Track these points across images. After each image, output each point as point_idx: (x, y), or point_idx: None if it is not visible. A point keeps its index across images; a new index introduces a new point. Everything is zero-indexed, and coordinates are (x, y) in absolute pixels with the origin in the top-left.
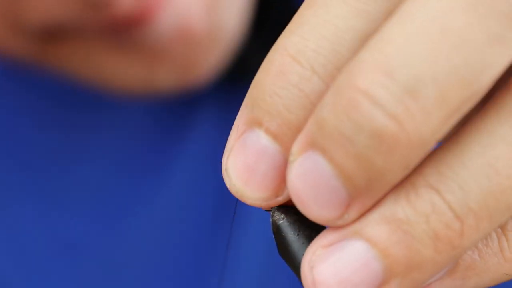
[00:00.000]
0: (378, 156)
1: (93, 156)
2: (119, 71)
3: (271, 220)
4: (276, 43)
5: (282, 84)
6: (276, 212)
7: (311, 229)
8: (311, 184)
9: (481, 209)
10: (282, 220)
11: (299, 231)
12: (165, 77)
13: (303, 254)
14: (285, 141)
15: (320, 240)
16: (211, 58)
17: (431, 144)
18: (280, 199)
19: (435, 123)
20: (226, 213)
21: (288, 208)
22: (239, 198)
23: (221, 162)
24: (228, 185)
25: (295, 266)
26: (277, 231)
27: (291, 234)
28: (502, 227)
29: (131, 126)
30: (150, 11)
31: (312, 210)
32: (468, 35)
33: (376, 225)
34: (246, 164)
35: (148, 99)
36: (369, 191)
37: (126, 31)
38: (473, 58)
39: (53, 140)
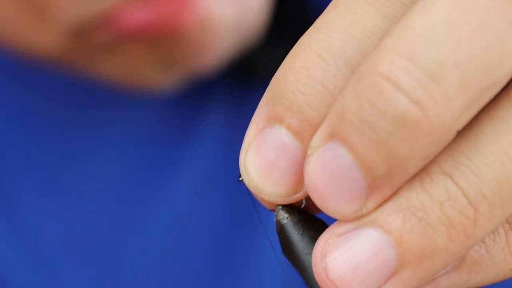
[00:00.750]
0: (400, 142)
1: (103, 155)
2: (140, 67)
3: (275, 220)
4: (300, 40)
5: (305, 80)
6: (280, 212)
7: (315, 229)
8: (330, 176)
9: (495, 196)
10: (286, 220)
11: (303, 231)
12: (177, 62)
13: (307, 254)
14: (306, 138)
15: (334, 229)
16: (226, 47)
17: (452, 133)
18: (299, 195)
19: (456, 110)
20: (237, 212)
21: (293, 207)
22: (257, 194)
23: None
24: (246, 181)
25: (299, 266)
26: (281, 230)
27: (295, 234)
28: (510, 223)
29: (141, 124)
30: (174, 21)
31: (330, 204)
32: (490, 21)
33: (390, 212)
34: (266, 160)
35: (158, 92)
36: (388, 181)
37: (153, 41)
38: (494, 44)
39: (63, 138)
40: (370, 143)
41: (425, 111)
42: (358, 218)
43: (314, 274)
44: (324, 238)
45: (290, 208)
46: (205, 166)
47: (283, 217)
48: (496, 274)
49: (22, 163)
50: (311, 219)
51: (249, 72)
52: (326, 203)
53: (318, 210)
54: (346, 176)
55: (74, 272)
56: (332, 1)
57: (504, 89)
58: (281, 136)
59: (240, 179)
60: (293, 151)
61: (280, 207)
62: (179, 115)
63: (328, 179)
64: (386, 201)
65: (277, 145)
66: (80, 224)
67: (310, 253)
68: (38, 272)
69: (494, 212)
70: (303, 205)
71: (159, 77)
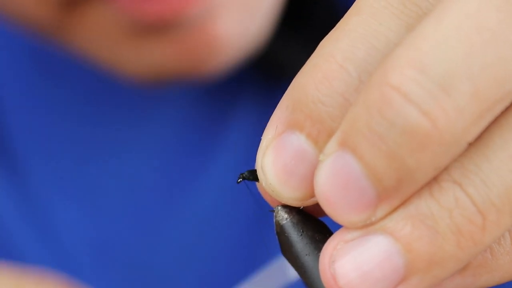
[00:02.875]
0: (409, 154)
1: (129, 154)
2: (139, 56)
3: (274, 220)
4: (321, 47)
5: (327, 92)
6: (279, 212)
7: (314, 230)
8: (339, 185)
9: (503, 204)
10: (285, 221)
11: (302, 231)
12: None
13: (306, 255)
14: (324, 147)
15: (343, 235)
16: (253, 29)
17: (462, 145)
18: (315, 199)
19: (467, 121)
20: (265, 210)
21: (292, 208)
22: (274, 196)
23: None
24: (263, 183)
25: (298, 266)
26: (280, 231)
27: (294, 235)
28: None
29: (169, 124)
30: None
31: (339, 212)
32: (502, 33)
33: (400, 220)
34: (284, 165)
35: (133, 76)
36: (397, 191)
37: (178, 9)
38: (507, 56)
39: (90, 135)
40: (380, 153)
41: (436, 123)
42: (367, 226)
43: (322, 280)
44: (333, 243)
45: (290, 208)
46: (232, 167)
47: (283, 217)
48: (500, 276)
49: (47, 161)
50: (311, 220)
51: (277, 73)
52: (336, 211)
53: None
54: (356, 185)
55: (95, 270)
56: (354, 6)
57: None
58: (301, 143)
59: (240, 180)
60: (312, 158)
61: (279, 207)
62: (207, 116)
63: (338, 187)
64: (395, 209)
65: (296, 151)
66: (104, 223)
67: (309, 253)
68: (60, 270)
69: (503, 219)
70: (301, 206)
71: (133, 55)
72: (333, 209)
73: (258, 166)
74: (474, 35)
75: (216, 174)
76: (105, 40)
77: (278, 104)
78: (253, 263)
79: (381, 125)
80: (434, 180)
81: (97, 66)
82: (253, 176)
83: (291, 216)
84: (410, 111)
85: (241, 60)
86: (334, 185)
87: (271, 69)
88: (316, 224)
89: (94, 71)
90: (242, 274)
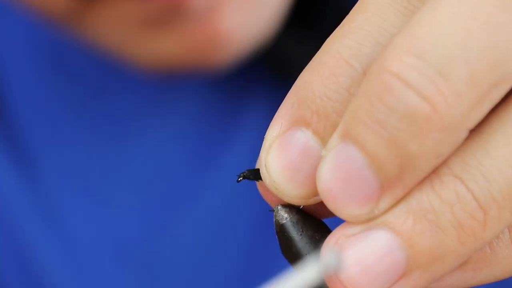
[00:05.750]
0: (411, 139)
1: (143, 147)
2: (149, 47)
3: (274, 220)
4: (327, 45)
5: (334, 87)
6: (279, 212)
7: (314, 229)
8: (342, 178)
9: (504, 199)
10: (285, 220)
11: (302, 231)
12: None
13: (306, 254)
14: None
15: (344, 230)
16: (259, 22)
17: (463, 131)
18: (318, 198)
19: (466, 105)
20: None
21: (292, 207)
22: (277, 195)
23: None
24: (267, 182)
25: (298, 266)
26: (280, 230)
27: (294, 234)
28: None
29: (182, 119)
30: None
31: (342, 206)
32: (497, 18)
33: (401, 214)
34: (290, 162)
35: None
36: (400, 181)
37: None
38: (501, 40)
39: (103, 127)
40: (381, 140)
41: (435, 107)
42: (369, 220)
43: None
44: (334, 238)
45: (289, 208)
46: (242, 163)
47: (282, 217)
48: (501, 271)
49: (59, 152)
50: (310, 219)
51: (288, 70)
52: (338, 205)
53: (328, 214)
54: (358, 176)
55: (104, 261)
56: (359, 4)
57: None
58: (307, 139)
59: (240, 179)
60: (317, 154)
61: (279, 207)
62: (220, 108)
63: (340, 180)
64: (397, 203)
65: (301, 148)
66: (115, 215)
67: (309, 253)
68: (80, 269)
69: (503, 214)
70: (301, 205)
71: (144, 46)
72: (335, 203)
73: (261, 165)
74: (470, 19)
75: (230, 167)
76: (118, 32)
77: (283, 103)
78: (269, 258)
79: (381, 112)
80: (435, 174)
81: (110, 57)
82: (253, 175)
83: (290, 216)
84: (410, 96)
85: (247, 53)
86: (337, 179)
87: (282, 66)
88: (315, 224)
89: (107, 62)
90: (258, 267)
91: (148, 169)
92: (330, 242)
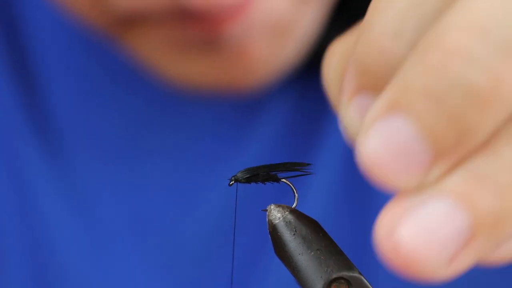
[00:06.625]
0: (471, 114)
1: (166, 151)
2: (183, 69)
3: (267, 220)
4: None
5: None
6: (272, 212)
7: (307, 229)
8: (393, 149)
9: None
10: (278, 220)
11: (295, 231)
12: (238, 73)
13: (299, 254)
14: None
15: (401, 203)
16: (286, 52)
17: None
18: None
19: None
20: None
21: (285, 207)
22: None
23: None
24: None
25: (291, 266)
26: (273, 230)
27: (287, 234)
28: None
29: (202, 126)
30: (242, 7)
31: (392, 177)
32: None
33: (461, 180)
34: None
35: (216, 95)
36: (455, 151)
37: (216, 28)
38: None
39: (133, 134)
40: (440, 113)
41: (498, 84)
42: (421, 189)
43: (382, 252)
44: (391, 213)
45: (282, 208)
46: (265, 156)
47: (275, 217)
48: None
49: (97, 154)
50: (303, 219)
51: (315, 62)
52: (388, 176)
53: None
54: (410, 147)
55: (128, 243)
56: None
57: None
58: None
59: (232, 183)
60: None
61: (272, 206)
62: (239, 112)
63: (391, 151)
64: (452, 169)
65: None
66: (144, 209)
67: (302, 253)
68: (105, 253)
69: None
70: (294, 205)
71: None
72: (385, 174)
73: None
74: None
75: (248, 161)
76: (155, 53)
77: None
78: (271, 258)
79: (441, 87)
80: (493, 138)
81: (146, 70)
82: (245, 178)
83: (283, 216)
84: (473, 72)
85: (274, 80)
86: (386, 150)
87: (310, 59)
88: (309, 223)
89: (143, 74)
90: (259, 267)
91: (171, 160)
92: (386, 218)
